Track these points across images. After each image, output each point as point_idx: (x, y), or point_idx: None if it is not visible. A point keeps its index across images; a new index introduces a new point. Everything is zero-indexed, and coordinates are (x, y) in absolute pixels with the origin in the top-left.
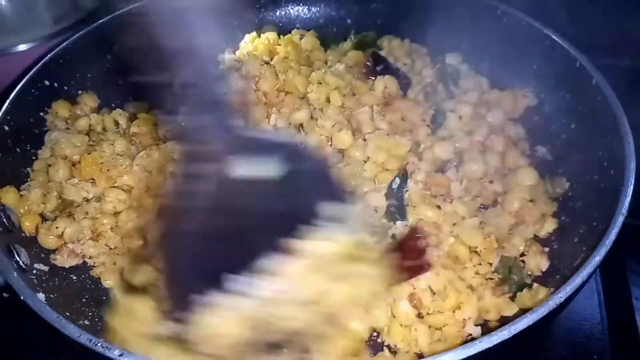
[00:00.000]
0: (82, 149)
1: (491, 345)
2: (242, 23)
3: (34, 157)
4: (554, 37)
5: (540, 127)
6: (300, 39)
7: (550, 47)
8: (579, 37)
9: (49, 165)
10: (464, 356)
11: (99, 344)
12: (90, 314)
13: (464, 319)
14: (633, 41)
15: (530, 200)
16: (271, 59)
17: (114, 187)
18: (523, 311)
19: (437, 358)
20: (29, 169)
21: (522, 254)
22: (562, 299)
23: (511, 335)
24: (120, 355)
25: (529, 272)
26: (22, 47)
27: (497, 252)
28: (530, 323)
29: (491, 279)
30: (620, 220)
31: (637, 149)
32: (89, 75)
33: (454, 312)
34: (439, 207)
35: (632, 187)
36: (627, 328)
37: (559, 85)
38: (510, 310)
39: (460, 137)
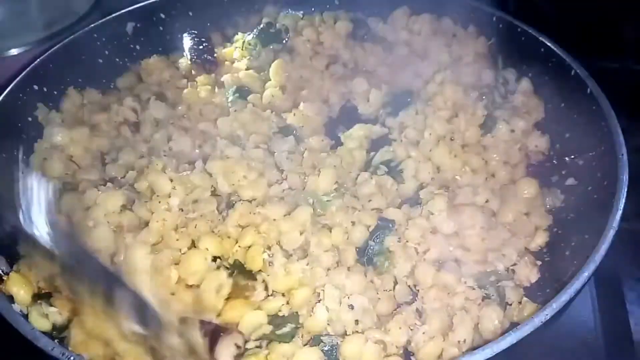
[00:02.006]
0: (81, 143)
1: None
2: None
3: (22, 163)
4: (549, 44)
5: None
6: None
7: (545, 55)
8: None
9: (44, 159)
10: None
11: (72, 358)
12: None
13: (459, 341)
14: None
15: (526, 213)
16: None
17: None
18: (513, 325)
19: None
20: (19, 173)
21: (514, 264)
22: (548, 317)
23: (494, 353)
24: None
25: (518, 283)
26: (14, 52)
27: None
28: (514, 341)
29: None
30: (611, 234)
31: (631, 158)
32: (79, 80)
33: (447, 335)
34: None
35: (623, 200)
36: (621, 333)
37: (555, 93)
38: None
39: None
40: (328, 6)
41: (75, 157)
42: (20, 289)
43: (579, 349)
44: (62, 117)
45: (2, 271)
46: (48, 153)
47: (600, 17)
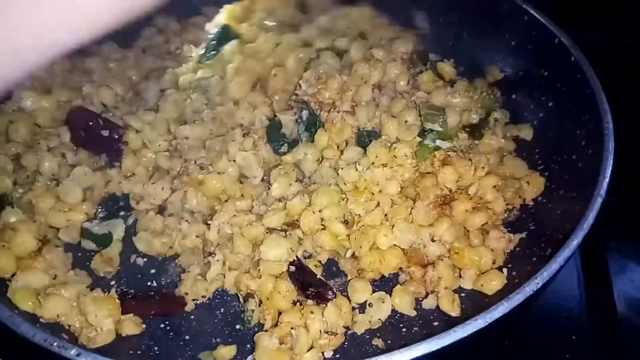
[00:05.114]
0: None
1: (466, 334)
2: None
3: None
4: (532, 12)
5: (519, 105)
6: None
7: (528, 23)
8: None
9: (10, 122)
10: (439, 346)
11: (55, 343)
12: None
13: None
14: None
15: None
16: None
17: None
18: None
19: (412, 348)
20: None
21: None
22: (539, 285)
23: (487, 323)
24: (77, 355)
25: None
26: None
27: None
28: (507, 310)
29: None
30: (598, 202)
31: (616, 128)
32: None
33: None
34: None
35: (610, 169)
36: (605, 307)
37: (538, 62)
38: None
39: None
40: None
41: (41, 124)
42: None
43: (564, 321)
44: (32, 84)
45: None
46: (14, 116)
47: None
